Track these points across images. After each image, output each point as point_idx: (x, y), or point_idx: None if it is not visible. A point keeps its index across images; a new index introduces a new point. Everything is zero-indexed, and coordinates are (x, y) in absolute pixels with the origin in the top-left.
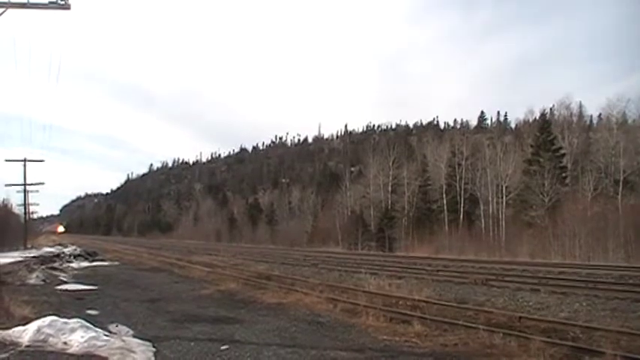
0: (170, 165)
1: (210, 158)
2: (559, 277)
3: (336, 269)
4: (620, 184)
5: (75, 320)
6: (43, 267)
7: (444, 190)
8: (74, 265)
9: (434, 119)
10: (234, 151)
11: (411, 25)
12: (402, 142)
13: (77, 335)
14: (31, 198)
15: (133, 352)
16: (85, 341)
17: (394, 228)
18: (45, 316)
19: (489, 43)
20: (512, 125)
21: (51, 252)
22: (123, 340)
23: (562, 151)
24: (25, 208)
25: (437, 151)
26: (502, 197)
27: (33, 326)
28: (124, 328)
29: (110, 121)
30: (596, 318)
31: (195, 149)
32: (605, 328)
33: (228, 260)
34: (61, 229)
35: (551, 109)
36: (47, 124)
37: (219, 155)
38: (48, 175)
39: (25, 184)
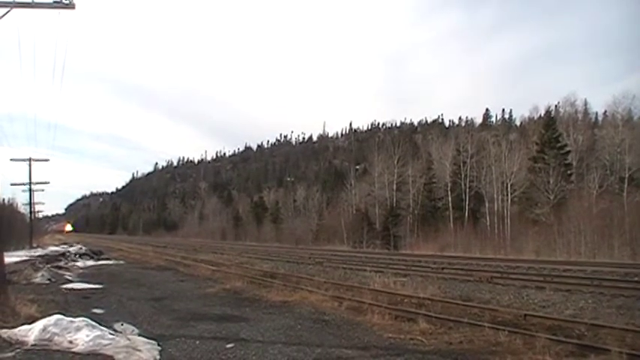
0: (175, 164)
1: (215, 157)
2: (564, 274)
3: (341, 267)
4: (626, 181)
5: (80, 319)
6: (48, 266)
7: (449, 187)
8: (79, 264)
9: (439, 117)
10: (239, 149)
11: (416, 23)
12: (407, 140)
13: (83, 334)
14: (37, 197)
15: (139, 350)
16: (91, 340)
17: (399, 226)
18: (51, 314)
19: (494, 41)
20: (518, 123)
21: (56, 251)
22: (128, 339)
23: (567, 149)
24: (30, 207)
25: (442, 148)
26: (507, 195)
27: (39, 325)
28: (129, 327)
29: (115, 120)
30: (601, 315)
31: (200, 148)
32: (611, 326)
33: (234, 259)
34: (68, 227)
35: (556, 106)
36: (52, 123)
37: (225, 154)
38: (53, 174)
39: (30, 183)
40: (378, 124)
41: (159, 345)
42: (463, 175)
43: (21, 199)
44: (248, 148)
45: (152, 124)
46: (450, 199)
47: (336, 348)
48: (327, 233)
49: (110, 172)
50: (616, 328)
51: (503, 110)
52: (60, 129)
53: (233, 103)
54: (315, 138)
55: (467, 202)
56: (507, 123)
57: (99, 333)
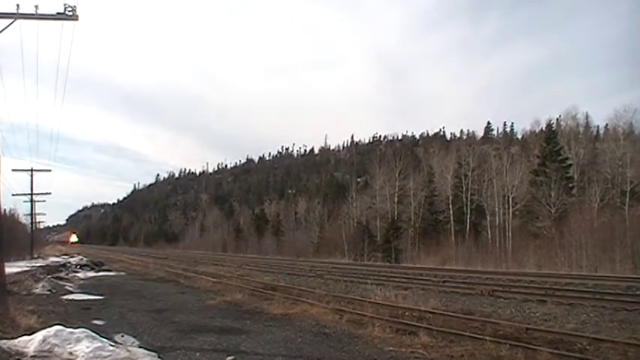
0: (177, 175)
1: (216, 169)
2: (566, 288)
3: (342, 280)
4: (627, 194)
5: (81, 330)
6: (49, 277)
7: (450, 200)
8: (80, 275)
9: (440, 130)
10: (240, 161)
11: (419, 35)
12: (409, 152)
13: (83, 345)
14: (38, 208)
15: None
16: (91, 351)
17: (400, 239)
18: (51, 325)
19: (496, 54)
20: (519, 136)
21: (57, 262)
22: (128, 351)
23: (568, 162)
24: (31, 218)
25: (443, 161)
26: (509, 208)
27: (39, 336)
28: (129, 339)
29: (117, 131)
30: (603, 329)
31: (201, 160)
32: (613, 340)
33: (235, 271)
34: (73, 238)
35: (557, 119)
36: (54, 133)
37: (226, 166)
38: (55, 184)
39: (31, 194)
40: (380, 137)
41: (159, 357)
42: (464, 189)
43: (22, 209)
44: (249, 160)
45: (154, 136)
46: (451, 212)
47: None
48: (328, 246)
49: (111, 184)
50: (618, 342)
51: (505, 123)
52: (62, 140)
53: (235, 114)
54: (316, 150)
55: (468, 216)
56: (508, 136)
57: (99, 344)
